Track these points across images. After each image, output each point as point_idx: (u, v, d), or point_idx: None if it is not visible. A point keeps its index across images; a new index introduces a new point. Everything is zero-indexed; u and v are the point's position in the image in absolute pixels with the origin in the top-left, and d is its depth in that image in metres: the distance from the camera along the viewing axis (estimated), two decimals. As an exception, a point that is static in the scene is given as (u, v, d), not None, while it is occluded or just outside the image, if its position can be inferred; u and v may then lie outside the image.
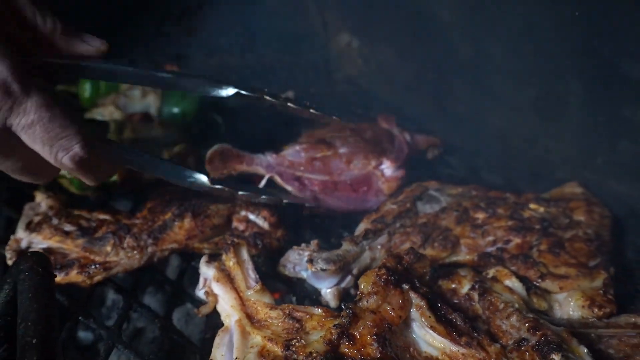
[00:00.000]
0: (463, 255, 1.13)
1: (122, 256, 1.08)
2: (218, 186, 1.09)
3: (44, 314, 0.73)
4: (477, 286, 0.98)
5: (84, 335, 1.35)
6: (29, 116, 0.84)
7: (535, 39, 1.34)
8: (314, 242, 1.11)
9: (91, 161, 0.94)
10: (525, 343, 0.83)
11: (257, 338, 0.87)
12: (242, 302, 0.95)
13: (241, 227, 1.20)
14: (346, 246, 1.11)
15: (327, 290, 1.07)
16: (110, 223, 1.16)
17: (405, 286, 0.90)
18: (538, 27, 1.33)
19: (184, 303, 1.32)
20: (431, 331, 0.86)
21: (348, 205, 1.32)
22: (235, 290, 0.97)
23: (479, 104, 1.64)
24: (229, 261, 1.00)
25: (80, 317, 1.01)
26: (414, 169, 1.44)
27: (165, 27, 2.16)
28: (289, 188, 1.29)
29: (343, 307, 0.89)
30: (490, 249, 1.12)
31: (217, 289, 0.98)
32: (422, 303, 0.88)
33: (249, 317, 0.92)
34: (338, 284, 1.07)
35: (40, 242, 1.12)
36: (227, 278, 0.99)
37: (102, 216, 1.19)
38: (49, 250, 1.10)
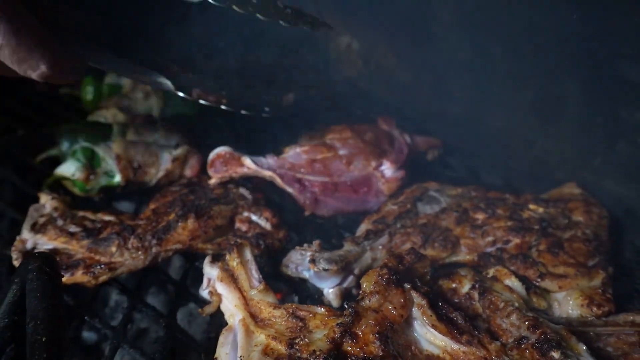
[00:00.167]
0: (463, 255, 1.14)
1: (127, 257, 1.09)
2: (181, 93, 1.19)
3: (53, 313, 0.74)
4: (477, 285, 1.00)
5: (87, 335, 1.36)
6: None
7: (533, 40, 1.35)
8: (316, 243, 1.12)
9: (60, 73, 1.03)
10: (525, 341, 0.85)
11: (261, 337, 0.88)
12: (246, 301, 0.96)
13: (244, 227, 1.21)
14: (348, 246, 1.13)
15: (330, 290, 1.08)
16: (114, 224, 1.17)
17: (407, 285, 0.92)
18: (537, 29, 1.34)
19: (187, 303, 1.33)
20: (432, 330, 0.87)
21: (348, 206, 1.33)
22: (239, 289, 0.98)
23: (478, 105, 1.66)
24: (233, 261, 1.01)
25: (85, 317, 1.02)
26: (414, 170, 1.45)
27: (167, 30, 2.17)
28: (289, 190, 1.30)
29: (345, 306, 0.90)
30: (490, 249, 1.14)
31: (221, 288, 0.99)
32: (424, 302, 0.90)
33: (253, 316, 0.93)
34: (340, 283, 1.08)
35: (45, 242, 1.13)
36: (231, 278, 1.00)
37: (107, 217, 1.20)
38: (54, 251, 1.11)
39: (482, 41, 1.55)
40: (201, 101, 1.29)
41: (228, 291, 0.98)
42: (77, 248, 1.11)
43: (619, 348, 0.89)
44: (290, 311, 0.91)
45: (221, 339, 0.92)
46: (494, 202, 1.26)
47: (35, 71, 1.01)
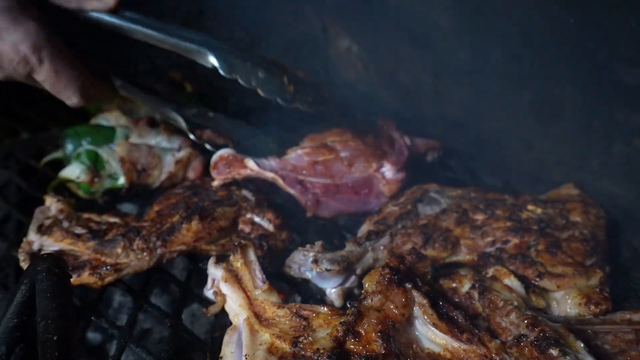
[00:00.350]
0: (463, 256, 1.16)
1: (132, 258, 1.11)
2: (191, 136, 1.36)
3: (63, 312, 0.76)
4: (477, 285, 1.01)
5: (92, 336, 1.37)
6: (41, 76, 1.15)
7: (531, 44, 1.37)
8: (318, 244, 1.14)
9: (91, 100, 1.26)
10: (524, 339, 0.87)
11: (265, 335, 0.90)
12: (250, 301, 0.98)
13: (247, 229, 1.23)
14: (349, 247, 1.15)
15: (332, 290, 1.10)
16: (119, 226, 1.19)
17: (408, 285, 0.94)
18: (535, 33, 1.36)
19: (191, 303, 1.35)
20: (433, 328, 0.89)
21: (349, 207, 1.35)
22: (243, 290, 1.00)
23: (477, 107, 1.67)
24: (237, 262, 1.03)
25: (92, 317, 1.04)
26: (414, 171, 1.47)
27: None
28: (291, 191, 1.32)
29: (348, 305, 0.92)
30: (489, 249, 1.15)
31: (226, 288, 1.01)
32: (425, 301, 0.92)
33: (257, 315, 0.95)
34: (342, 283, 1.10)
35: (52, 244, 1.15)
36: (235, 278, 1.02)
37: (112, 219, 1.22)
38: (61, 253, 1.13)
39: (480, 45, 1.57)
40: (207, 146, 1.40)
41: (232, 291, 1.00)
42: (83, 249, 1.13)
43: (616, 345, 0.91)
44: (294, 311, 0.93)
45: (226, 338, 0.94)
46: (493, 203, 1.28)
47: (69, 102, 1.23)
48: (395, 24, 1.82)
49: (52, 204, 1.26)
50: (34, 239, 1.17)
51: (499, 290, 1.00)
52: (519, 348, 0.86)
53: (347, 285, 1.11)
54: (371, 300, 0.92)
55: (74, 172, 1.38)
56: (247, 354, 0.87)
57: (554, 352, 0.81)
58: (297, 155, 1.40)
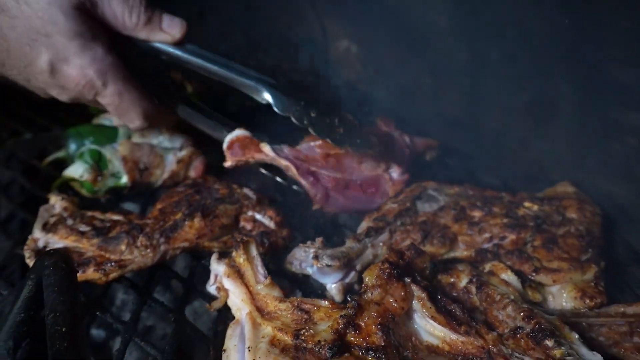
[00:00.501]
0: (461, 252, 1.18)
1: (136, 254, 1.13)
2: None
3: (70, 305, 0.78)
4: (474, 280, 1.04)
5: (96, 332, 1.39)
6: (106, 99, 1.21)
7: (528, 44, 1.39)
8: (318, 240, 1.16)
9: (153, 123, 1.33)
10: (520, 331, 0.89)
11: (267, 329, 0.92)
12: (252, 296, 0.99)
13: (248, 226, 1.25)
14: (349, 243, 1.17)
15: (332, 285, 1.12)
16: (123, 223, 1.21)
17: (407, 279, 0.96)
18: (531, 34, 1.38)
19: (194, 299, 1.37)
20: (432, 321, 0.91)
21: (355, 205, 1.36)
22: (245, 285, 1.01)
23: (475, 108, 1.70)
24: (239, 258, 1.05)
25: (97, 312, 1.06)
26: (413, 170, 1.49)
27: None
28: (303, 182, 1.31)
29: (349, 299, 0.94)
30: (486, 245, 1.17)
31: (228, 284, 1.03)
32: (423, 295, 0.94)
33: (259, 310, 0.97)
34: (342, 279, 1.12)
35: (56, 241, 1.17)
36: (237, 274, 1.04)
37: (115, 217, 1.24)
38: (65, 249, 1.14)
39: (478, 45, 1.59)
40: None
41: (235, 286, 1.02)
42: (88, 246, 1.15)
43: (610, 337, 0.94)
44: (296, 304, 0.95)
45: (229, 331, 0.96)
46: (491, 200, 1.30)
47: (132, 125, 1.30)
48: (393, 25, 1.84)
49: (57, 202, 1.27)
50: (39, 237, 1.19)
51: (496, 285, 1.02)
52: (516, 339, 0.88)
53: (347, 280, 1.13)
54: (371, 294, 0.94)
55: (77, 171, 1.40)
56: (249, 346, 0.89)
57: (549, 343, 0.83)
58: (308, 146, 1.39)
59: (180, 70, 1.94)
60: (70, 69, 1.14)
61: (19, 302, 0.92)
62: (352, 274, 1.13)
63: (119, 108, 1.24)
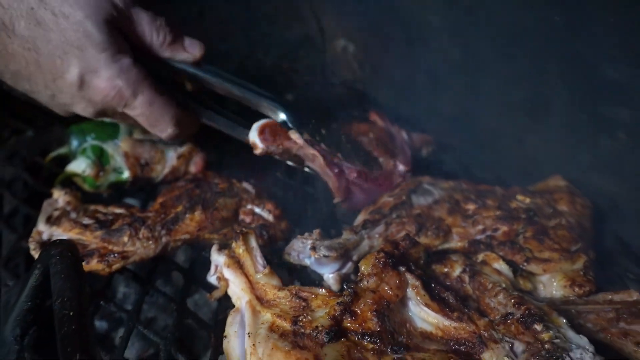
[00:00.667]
0: (455, 243, 1.21)
1: (139, 246, 1.16)
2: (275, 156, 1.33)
3: (77, 291, 0.81)
4: (467, 269, 1.07)
5: (99, 324, 1.42)
6: (136, 110, 1.21)
7: (521, 42, 1.43)
8: (316, 232, 1.19)
9: (183, 131, 1.32)
10: (511, 316, 0.92)
11: (267, 315, 0.95)
12: (252, 285, 1.03)
13: (248, 219, 1.28)
14: (346, 235, 1.20)
15: (329, 275, 1.14)
16: (125, 216, 1.24)
17: (402, 268, 0.99)
18: (524, 32, 1.41)
19: (196, 290, 1.40)
20: (426, 308, 0.94)
21: (369, 198, 1.38)
22: (245, 274, 1.05)
23: (470, 105, 1.73)
24: (239, 248, 1.08)
25: (101, 302, 1.09)
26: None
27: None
28: (329, 172, 1.31)
29: (345, 287, 0.97)
30: (479, 237, 1.20)
31: (228, 274, 1.06)
32: (418, 283, 0.97)
33: (259, 298, 1.00)
34: (339, 269, 1.15)
35: (60, 234, 1.20)
36: (237, 264, 1.07)
37: (117, 210, 1.27)
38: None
39: (472, 44, 1.62)
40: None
41: (235, 276, 1.05)
42: (91, 239, 1.18)
43: (597, 324, 0.97)
44: (294, 292, 0.98)
45: (229, 319, 0.99)
46: (484, 194, 1.33)
47: (164, 134, 1.29)
48: (390, 24, 1.87)
49: (60, 197, 1.30)
50: (43, 230, 1.21)
51: (488, 274, 1.05)
52: (506, 325, 0.91)
53: (344, 271, 1.16)
54: (367, 282, 0.97)
55: (80, 166, 1.43)
56: (249, 332, 0.92)
57: (538, 327, 0.86)
58: (330, 136, 1.41)
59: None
60: (100, 80, 1.14)
61: (26, 290, 0.95)
62: (349, 264, 1.16)
63: (151, 117, 1.24)
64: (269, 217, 1.29)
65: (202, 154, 1.52)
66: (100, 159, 1.46)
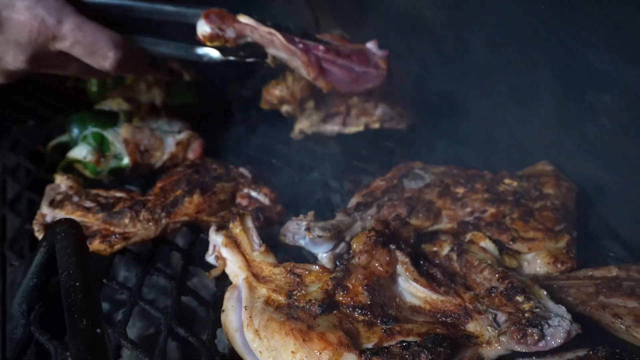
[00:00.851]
0: (444, 224, 1.26)
1: (139, 227, 1.20)
2: (231, 57, 1.28)
3: (82, 263, 0.85)
4: (455, 248, 1.11)
5: (100, 305, 1.46)
6: (67, 40, 1.11)
7: (510, 32, 1.47)
8: (310, 213, 1.23)
9: (127, 59, 1.20)
10: (495, 290, 0.96)
11: (262, 290, 0.99)
12: (248, 263, 1.07)
13: (244, 202, 1.33)
14: (340, 217, 1.24)
15: (323, 255, 1.19)
16: (126, 200, 1.28)
17: (392, 246, 1.04)
18: (512, 22, 1.46)
19: (195, 273, 1.44)
20: (414, 283, 0.99)
21: (352, 77, 1.33)
22: (242, 253, 1.09)
23: (462, 95, 1.77)
24: (236, 228, 1.13)
25: (104, 280, 1.13)
26: (400, 151, 1.57)
27: (164, 26, 2.27)
28: (292, 48, 1.26)
29: (337, 263, 1.02)
30: (468, 219, 1.25)
31: (226, 253, 1.11)
32: (407, 260, 1.01)
33: (255, 275, 1.04)
34: (333, 249, 1.19)
35: (63, 216, 1.24)
36: (234, 243, 1.11)
37: (118, 194, 1.31)
38: (73, 221, 1.21)
39: (463, 35, 1.67)
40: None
41: (232, 255, 1.10)
42: (93, 220, 1.22)
43: (578, 298, 1.01)
44: (289, 269, 1.03)
45: (227, 294, 1.04)
46: (474, 178, 1.38)
47: (107, 61, 1.17)
48: (384, 16, 1.92)
49: (62, 182, 1.34)
50: (46, 212, 1.26)
51: (475, 252, 1.09)
52: (490, 298, 0.96)
53: (338, 251, 1.20)
54: (358, 259, 1.02)
55: (81, 152, 1.47)
56: (246, 306, 0.97)
57: (519, 298, 0.91)
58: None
59: (177, 60, 2.01)
60: (18, 13, 1.06)
61: (32, 268, 1.00)
62: (342, 244, 1.20)
63: (86, 43, 1.12)
64: (265, 201, 1.33)
65: (200, 140, 1.57)
66: (101, 146, 1.50)
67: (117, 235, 1.18)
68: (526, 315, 0.86)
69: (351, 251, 1.04)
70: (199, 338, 0.99)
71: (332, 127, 1.74)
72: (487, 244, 1.11)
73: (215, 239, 1.15)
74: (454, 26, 1.71)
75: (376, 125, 1.74)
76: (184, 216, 1.25)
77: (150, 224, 1.21)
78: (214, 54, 1.32)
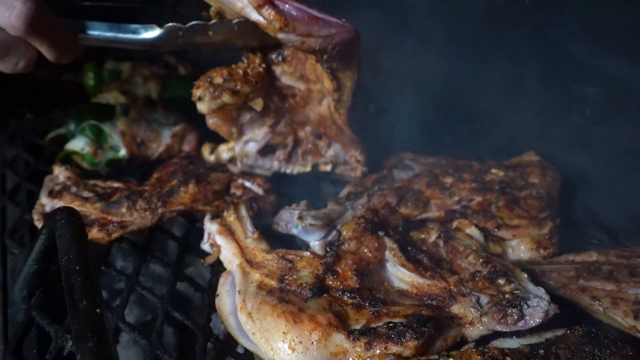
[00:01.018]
0: (433, 213, 1.30)
1: (136, 216, 1.24)
2: (169, 24, 1.19)
3: (81, 249, 0.89)
4: (442, 235, 1.15)
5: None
6: None
7: (497, 25, 1.51)
8: (302, 203, 1.27)
9: (42, 23, 1.02)
10: (478, 274, 1.00)
11: (255, 275, 1.03)
12: (242, 250, 1.11)
13: (238, 192, 1.36)
14: (331, 206, 1.28)
15: (315, 242, 1.22)
16: (123, 190, 1.32)
17: (381, 233, 1.07)
18: (499, 15, 1.49)
19: (190, 263, 1.48)
20: (402, 268, 1.03)
21: (311, 17, 1.18)
22: (236, 240, 1.13)
23: (450, 86, 1.81)
24: (230, 217, 1.16)
25: (102, 267, 1.16)
26: (390, 144, 1.61)
27: (161, 19, 2.29)
28: None
29: (328, 249, 1.06)
30: (456, 207, 1.29)
31: (220, 240, 1.14)
32: (395, 246, 1.05)
33: (248, 261, 1.08)
34: (324, 237, 1.22)
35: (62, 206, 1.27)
36: (229, 231, 1.15)
37: (116, 184, 1.35)
38: (72, 211, 1.25)
39: (452, 29, 1.70)
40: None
41: (226, 242, 1.13)
42: (91, 210, 1.25)
43: (559, 281, 1.05)
44: (281, 255, 1.07)
45: (221, 280, 1.08)
46: (462, 168, 1.42)
47: (13, 10, 0.98)
48: (375, 9, 1.94)
49: (61, 173, 1.37)
50: (45, 202, 1.29)
51: (460, 238, 1.13)
52: (474, 281, 1.00)
53: (329, 239, 1.23)
54: (348, 245, 1.05)
55: (79, 144, 1.50)
56: (240, 290, 1.00)
57: (501, 281, 0.95)
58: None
59: (173, 53, 2.04)
60: None
61: (33, 254, 1.03)
62: (334, 233, 1.24)
63: None
64: (259, 191, 1.37)
65: (196, 132, 1.60)
66: (98, 138, 1.54)
67: (115, 224, 1.22)
68: (507, 296, 0.90)
69: (341, 238, 1.08)
70: (194, 321, 1.02)
71: (271, 163, 1.44)
72: (472, 231, 1.15)
73: (210, 227, 1.18)
74: (443, 20, 1.74)
75: (327, 168, 1.48)
76: (179, 205, 1.28)
77: (147, 213, 1.25)
78: (151, 32, 1.21)
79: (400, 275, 1.04)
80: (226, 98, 1.23)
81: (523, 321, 0.87)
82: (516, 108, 1.61)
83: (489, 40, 1.57)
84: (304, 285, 0.97)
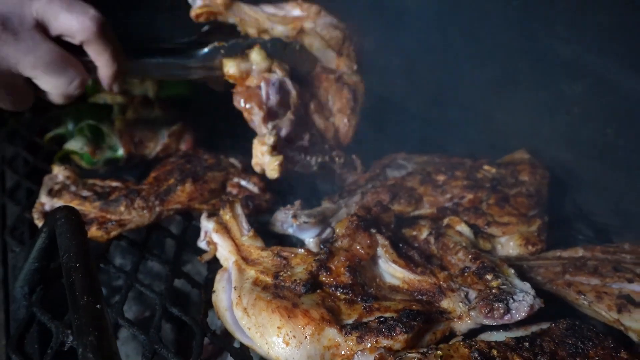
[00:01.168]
0: (425, 210, 1.33)
1: (134, 214, 1.27)
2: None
3: (82, 246, 0.91)
4: (433, 232, 1.18)
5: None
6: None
7: (487, 25, 1.53)
8: (297, 202, 1.30)
9: (109, 31, 1.15)
10: (467, 270, 1.03)
11: (251, 272, 1.06)
12: (238, 247, 1.13)
13: (234, 191, 1.39)
14: (325, 204, 1.31)
15: (310, 240, 1.25)
16: (121, 189, 1.34)
17: (373, 230, 1.10)
18: (490, 15, 1.52)
19: (187, 259, 1.50)
20: (393, 265, 1.06)
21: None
22: (232, 238, 1.15)
23: (443, 85, 1.84)
24: (226, 215, 1.19)
25: (101, 264, 1.19)
26: (384, 144, 1.64)
27: (157, 19, 2.31)
28: None
29: (321, 246, 1.09)
30: (447, 204, 1.32)
31: (217, 238, 1.17)
32: (387, 243, 1.08)
33: (244, 258, 1.11)
34: (319, 235, 1.25)
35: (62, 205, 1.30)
36: (225, 229, 1.18)
37: (114, 183, 1.37)
38: (71, 209, 1.27)
39: (445, 28, 1.73)
40: None
41: (222, 240, 1.16)
42: (90, 209, 1.28)
43: (546, 277, 1.08)
44: (276, 252, 1.10)
45: (217, 277, 1.10)
46: (455, 166, 1.45)
47: (87, 15, 1.11)
48: (368, 9, 1.97)
49: (60, 172, 1.40)
50: (45, 201, 1.31)
51: (451, 235, 1.16)
52: (463, 277, 1.02)
53: (324, 236, 1.26)
54: (341, 242, 1.08)
55: (77, 144, 1.53)
56: (235, 286, 1.03)
57: (489, 277, 0.98)
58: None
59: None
60: None
61: (33, 252, 1.06)
62: (328, 230, 1.27)
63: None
64: (255, 189, 1.40)
65: (192, 131, 1.63)
66: (96, 138, 1.56)
67: (113, 222, 1.25)
68: (494, 291, 0.93)
69: (334, 235, 1.11)
70: (192, 317, 1.05)
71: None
72: (462, 227, 1.18)
73: (207, 225, 1.21)
74: (436, 19, 1.77)
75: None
76: (176, 204, 1.31)
77: (145, 211, 1.27)
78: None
79: (391, 271, 1.06)
80: None
81: (509, 315, 0.90)
82: (507, 106, 1.64)
83: (480, 39, 1.60)
84: (298, 281, 0.99)
